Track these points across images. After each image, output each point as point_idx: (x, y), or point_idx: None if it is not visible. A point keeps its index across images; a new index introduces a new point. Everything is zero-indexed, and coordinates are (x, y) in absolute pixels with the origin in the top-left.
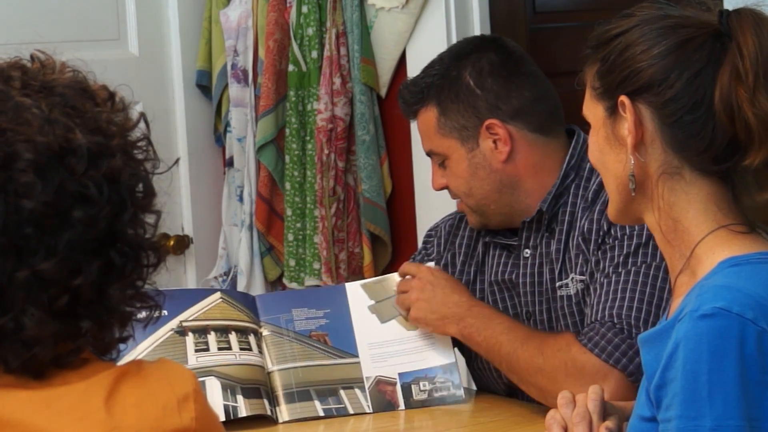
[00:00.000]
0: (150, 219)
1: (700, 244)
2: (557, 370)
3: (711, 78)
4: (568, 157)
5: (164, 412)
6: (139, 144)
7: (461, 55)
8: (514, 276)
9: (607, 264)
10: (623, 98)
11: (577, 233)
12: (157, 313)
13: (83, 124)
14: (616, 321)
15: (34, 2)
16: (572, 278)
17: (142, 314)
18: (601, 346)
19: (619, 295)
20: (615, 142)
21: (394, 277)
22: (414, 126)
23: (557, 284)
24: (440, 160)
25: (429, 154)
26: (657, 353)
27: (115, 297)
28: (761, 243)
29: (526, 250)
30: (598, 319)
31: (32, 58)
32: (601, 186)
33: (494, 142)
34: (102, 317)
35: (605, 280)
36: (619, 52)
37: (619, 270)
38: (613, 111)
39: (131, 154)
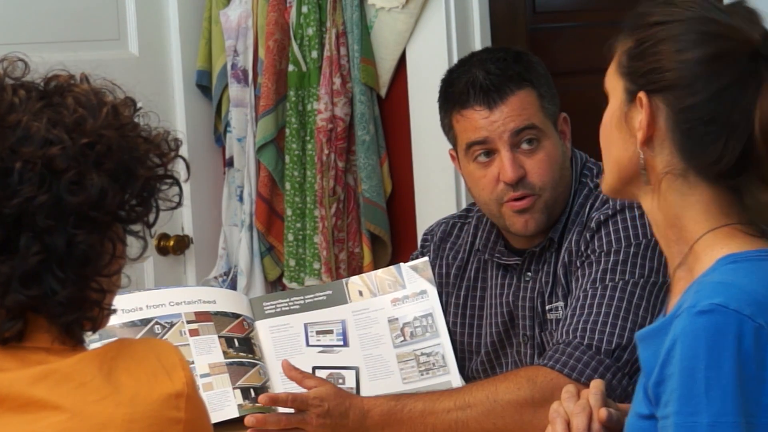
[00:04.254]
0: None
1: (699, 242)
2: (522, 407)
3: (733, 97)
4: (572, 182)
5: (156, 378)
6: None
7: (519, 50)
8: (512, 298)
9: (584, 280)
10: (642, 95)
11: (562, 254)
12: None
13: (57, 119)
14: (586, 339)
15: (34, 2)
16: (560, 305)
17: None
18: (571, 365)
19: (594, 310)
20: (625, 129)
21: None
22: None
23: (547, 307)
24: (537, 139)
25: (524, 129)
26: (655, 350)
27: (3, 275)
28: (760, 241)
29: (528, 273)
30: (565, 339)
31: (78, 77)
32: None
33: (561, 138)
34: None
35: (581, 294)
36: (654, 42)
37: (596, 285)
38: (632, 97)
39: (99, 162)
